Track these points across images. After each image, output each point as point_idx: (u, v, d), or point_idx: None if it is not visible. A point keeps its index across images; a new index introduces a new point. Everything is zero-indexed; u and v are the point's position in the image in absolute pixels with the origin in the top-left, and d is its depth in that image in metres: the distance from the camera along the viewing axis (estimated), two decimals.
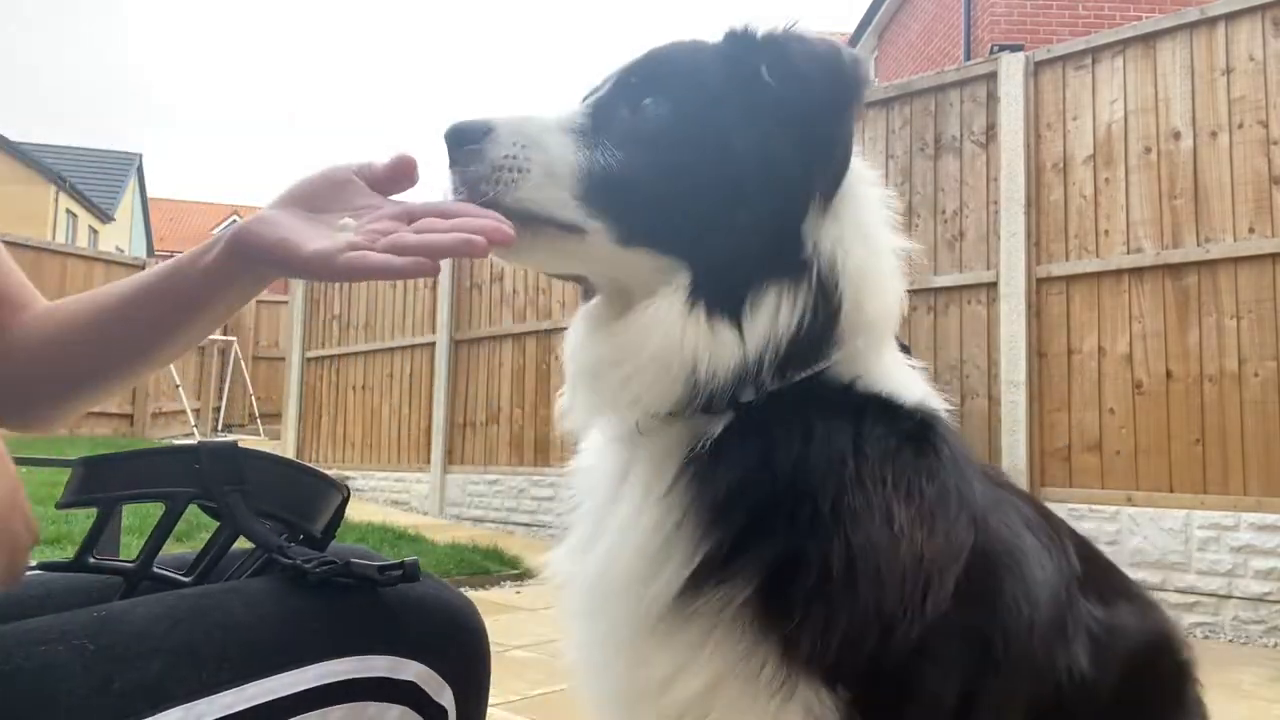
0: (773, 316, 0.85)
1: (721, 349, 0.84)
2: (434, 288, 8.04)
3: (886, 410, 0.91)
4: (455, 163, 0.87)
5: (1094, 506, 4.53)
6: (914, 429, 0.91)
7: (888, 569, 0.82)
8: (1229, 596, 4.13)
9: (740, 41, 0.95)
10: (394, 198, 0.82)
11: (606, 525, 0.94)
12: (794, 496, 0.84)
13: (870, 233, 0.95)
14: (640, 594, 0.87)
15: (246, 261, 0.79)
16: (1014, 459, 4.72)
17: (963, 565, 0.89)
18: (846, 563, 0.81)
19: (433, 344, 7.96)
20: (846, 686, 0.83)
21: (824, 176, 0.90)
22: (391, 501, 8.10)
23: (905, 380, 0.97)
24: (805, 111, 0.89)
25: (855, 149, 0.95)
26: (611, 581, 0.90)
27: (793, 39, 0.94)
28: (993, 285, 4.94)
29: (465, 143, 0.87)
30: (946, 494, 0.89)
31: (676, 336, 0.85)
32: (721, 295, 0.85)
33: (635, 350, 0.87)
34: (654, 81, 0.93)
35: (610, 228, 0.88)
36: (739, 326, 0.85)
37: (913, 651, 0.85)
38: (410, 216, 0.77)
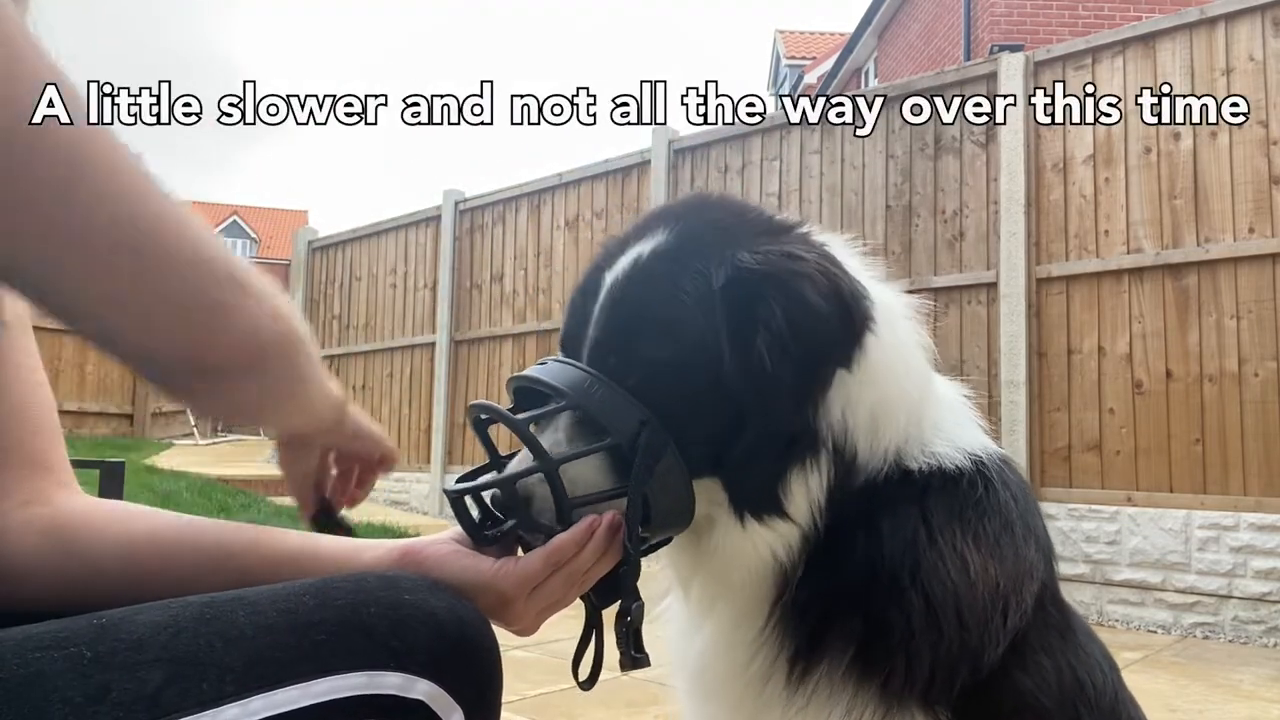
0: (805, 490, 0.92)
1: (784, 534, 0.93)
2: (434, 288, 8.04)
3: (943, 478, 0.97)
4: (513, 515, 0.89)
5: (1094, 506, 4.53)
6: (972, 481, 0.98)
7: (969, 609, 0.90)
8: (1229, 596, 4.12)
9: (741, 282, 0.92)
10: None
11: (704, 629, 1.02)
12: (876, 579, 0.92)
13: (880, 366, 0.96)
14: (746, 681, 0.96)
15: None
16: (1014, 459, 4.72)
17: (1039, 585, 0.97)
18: (928, 612, 0.89)
19: (433, 344, 7.96)
20: (946, 707, 0.91)
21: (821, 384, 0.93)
22: (391, 502, 8.09)
23: (952, 431, 1.02)
24: (809, 347, 0.90)
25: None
26: (718, 672, 1.00)
27: (798, 279, 0.91)
28: (993, 285, 4.94)
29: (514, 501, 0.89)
30: (1010, 525, 0.97)
31: (750, 552, 0.93)
32: (759, 500, 0.92)
33: (730, 584, 0.96)
34: (631, 352, 0.92)
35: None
36: (785, 514, 0.92)
37: (1005, 667, 0.92)
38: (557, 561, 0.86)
